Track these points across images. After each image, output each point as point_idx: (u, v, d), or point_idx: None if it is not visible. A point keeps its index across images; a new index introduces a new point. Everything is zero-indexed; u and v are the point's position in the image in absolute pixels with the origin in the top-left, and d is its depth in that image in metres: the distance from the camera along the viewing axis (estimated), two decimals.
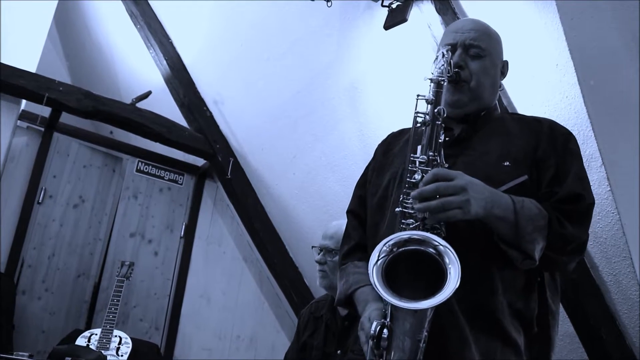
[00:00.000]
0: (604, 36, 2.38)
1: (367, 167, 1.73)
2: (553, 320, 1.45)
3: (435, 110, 1.39)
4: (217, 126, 4.54)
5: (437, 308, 1.20)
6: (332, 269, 2.50)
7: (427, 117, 1.39)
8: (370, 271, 1.22)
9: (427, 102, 1.40)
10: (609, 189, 2.46)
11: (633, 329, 2.75)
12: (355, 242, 1.62)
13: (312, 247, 2.68)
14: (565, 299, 2.80)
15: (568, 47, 2.38)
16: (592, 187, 2.16)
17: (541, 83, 2.56)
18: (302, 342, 2.63)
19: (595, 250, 2.68)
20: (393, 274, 1.23)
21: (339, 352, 2.42)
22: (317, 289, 4.22)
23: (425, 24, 2.80)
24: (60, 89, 3.93)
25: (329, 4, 2.99)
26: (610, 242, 2.62)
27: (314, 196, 4.08)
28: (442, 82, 1.42)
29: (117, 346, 3.42)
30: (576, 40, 2.37)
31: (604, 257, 2.68)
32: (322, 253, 2.57)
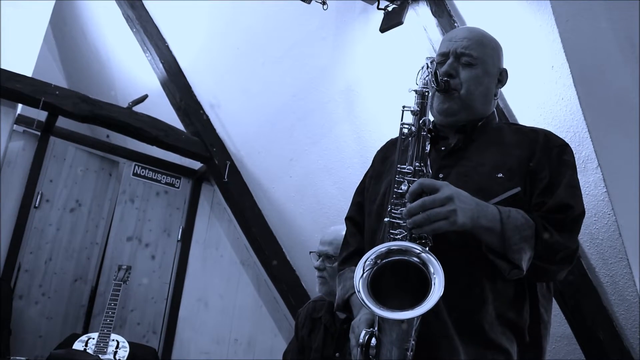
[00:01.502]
0: (599, 38, 2.38)
1: (365, 174, 1.74)
2: (545, 330, 1.45)
3: (420, 121, 1.40)
4: (214, 129, 4.54)
5: (428, 317, 1.20)
6: (331, 275, 2.43)
7: (413, 128, 1.41)
8: (356, 284, 1.22)
9: (412, 113, 1.42)
10: (605, 190, 2.46)
11: (630, 330, 2.76)
12: (354, 249, 1.63)
13: (310, 252, 2.64)
14: (563, 300, 2.80)
15: (563, 48, 2.38)
16: (588, 188, 2.16)
17: (537, 85, 2.56)
18: (300, 342, 2.62)
19: (592, 251, 2.68)
20: (381, 285, 1.23)
21: (337, 354, 2.40)
22: (315, 292, 4.22)
23: (421, 27, 2.80)
24: (57, 93, 3.92)
25: (325, 7, 2.99)
26: (606, 244, 2.62)
27: (310, 199, 4.08)
28: (427, 94, 1.43)
29: (114, 350, 3.42)
30: (571, 42, 2.38)
31: (601, 258, 2.68)
32: (320, 259, 2.52)
